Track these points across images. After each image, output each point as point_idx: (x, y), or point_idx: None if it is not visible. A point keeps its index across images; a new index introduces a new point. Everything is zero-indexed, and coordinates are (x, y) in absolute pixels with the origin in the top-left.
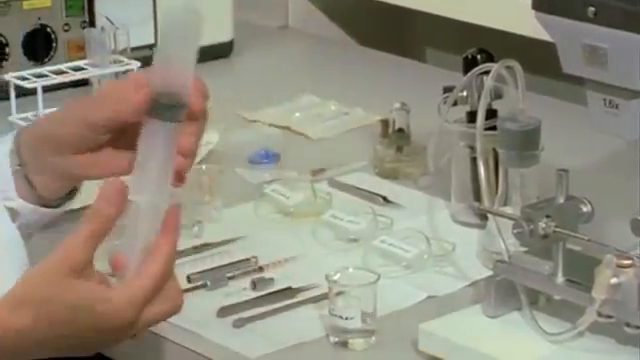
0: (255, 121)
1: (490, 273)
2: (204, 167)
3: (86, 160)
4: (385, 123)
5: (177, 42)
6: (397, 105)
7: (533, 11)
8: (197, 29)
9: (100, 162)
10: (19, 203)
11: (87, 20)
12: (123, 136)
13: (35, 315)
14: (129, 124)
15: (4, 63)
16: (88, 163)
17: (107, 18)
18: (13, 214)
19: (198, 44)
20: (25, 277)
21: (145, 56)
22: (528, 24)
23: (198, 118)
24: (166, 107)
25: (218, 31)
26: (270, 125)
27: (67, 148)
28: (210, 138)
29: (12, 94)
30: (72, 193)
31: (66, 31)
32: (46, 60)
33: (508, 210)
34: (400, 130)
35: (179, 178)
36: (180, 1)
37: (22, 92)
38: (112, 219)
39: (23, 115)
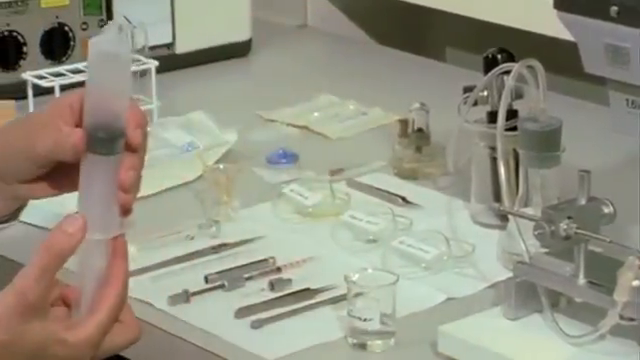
0: (273, 121)
1: (510, 275)
2: (222, 166)
3: (29, 186)
4: (404, 123)
5: (106, 73)
6: (416, 105)
7: (555, 10)
8: (126, 58)
9: (44, 186)
10: None
11: (105, 19)
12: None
13: None
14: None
15: (22, 62)
16: (33, 186)
17: (125, 17)
18: None
19: (129, 72)
20: None
21: (163, 55)
22: (549, 23)
23: (136, 151)
24: (103, 141)
25: (236, 30)
26: (288, 125)
27: (10, 178)
28: (228, 137)
29: (30, 93)
30: (19, 209)
31: (84, 30)
32: (64, 59)
33: (529, 211)
34: (419, 130)
35: (124, 212)
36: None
37: (40, 91)
38: (66, 254)
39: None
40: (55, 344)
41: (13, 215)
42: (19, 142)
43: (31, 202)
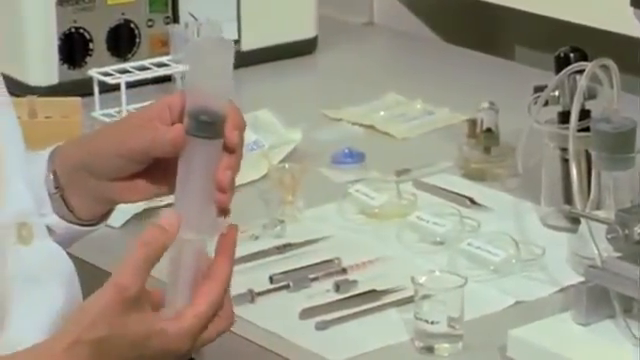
0: (339, 120)
1: (581, 279)
2: (287, 166)
3: (124, 185)
4: (472, 123)
5: (212, 56)
6: (485, 104)
7: (632, 8)
8: (231, 45)
9: (138, 187)
10: (54, 220)
11: (171, 16)
12: (162, 160)
13: (91, 355)
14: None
15: (88, 59)
16: (126, 188)
17: (191, 14)
18: (48, 230)
19: (232, 58)
20: (79, 314)
21: None
22: (625, 21)
23: (234, 151)
24: (205, 124)
25: (302, 28)
26: (354, 124)
27: (104, 177)
28: (293, 136)
29: (96, 90)
30: (108, 213)
31: (150, 27)
32: (129, 56)
33: (601, 214)
34: (488, 130)
35: (222, 211)
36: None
37: (105, 88)
38: (161, 250)
39: (106, 111)
40: (155, 335)
41: (101, 219)
42: (113, 138)
43: None
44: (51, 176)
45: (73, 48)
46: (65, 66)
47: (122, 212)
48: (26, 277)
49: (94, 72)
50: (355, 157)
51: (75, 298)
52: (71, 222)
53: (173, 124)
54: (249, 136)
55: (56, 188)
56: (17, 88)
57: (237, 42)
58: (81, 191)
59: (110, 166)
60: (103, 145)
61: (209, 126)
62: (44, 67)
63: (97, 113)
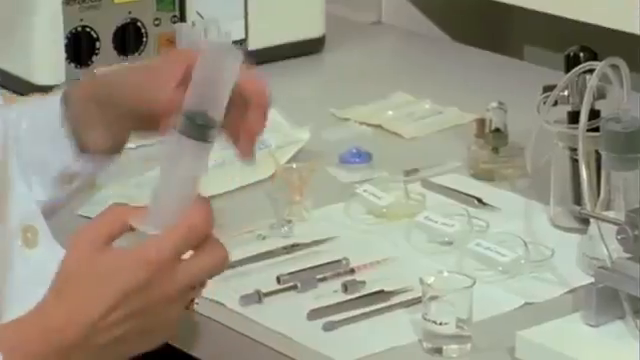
0: (346, 119)
1: (591, 280)
2: (294, 165)
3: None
4: (481, 123)
5: (216, 68)
6: (494, 104)
7: None
8: (236, 62)
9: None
10: (73, 155)
11: (178, 15)
12: None
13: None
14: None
15: (94, 58)
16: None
17: (198, 13)
18: (72, 178)
19: (236, 76)
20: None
21: None
22: (635, 21)
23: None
24: (199, 127)
25: (309, 26)
26: (362, 123)
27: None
28: (300, 136)
29: None
30: (120, 150)
31: (157, 25)
32: (136, 55)
33: (611, 215)
34: (497, 130)
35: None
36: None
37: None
38: (200, 237)
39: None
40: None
41: (118, 149)
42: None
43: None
44: (64, 111)
45: (80, 47)
46: (72, 65)
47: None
48: (32, 280)
49: (100, 71)
50: (363, 157)
51: None
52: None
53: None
54: None
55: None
56: (23, 87)
57: (244, 41)
58: (95, 121)
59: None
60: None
61: (204, 130)
62: (50, 66)
63: None
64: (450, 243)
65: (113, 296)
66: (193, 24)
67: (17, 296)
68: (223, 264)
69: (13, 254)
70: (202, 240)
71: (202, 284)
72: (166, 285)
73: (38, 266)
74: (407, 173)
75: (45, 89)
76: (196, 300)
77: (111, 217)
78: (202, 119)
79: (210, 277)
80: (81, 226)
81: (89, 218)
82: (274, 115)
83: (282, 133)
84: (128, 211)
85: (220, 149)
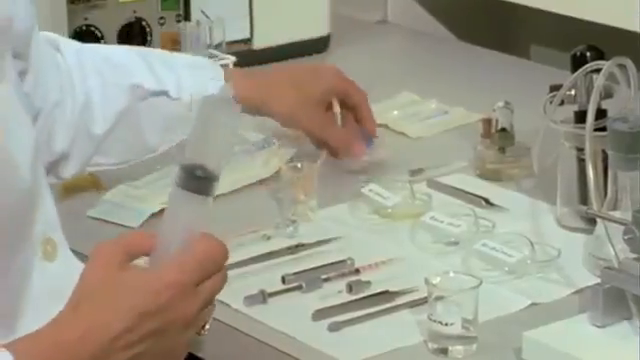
0: None
1: (597, 280)
2: (299, 165)
3: None
4: (487, 122)
5: (216, 121)
6: (500, 104)
7: None
8: (235, 115)
9: None
10: None
11: (182, 14)
12: None
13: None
14: None
15: None
16: None
17: (203, 12)
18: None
19: (236, 128)
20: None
21: (240, 51)
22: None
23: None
24: (200, 179)
25: (314, 25)
26: None
27: None
28: (302, 133)
29: None
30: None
31: (161, 24)
32: None
33: (618, 215)
34: (503, 130)
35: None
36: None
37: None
38: (210, 273)
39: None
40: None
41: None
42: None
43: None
44: None
45: None
46: None
47: (140, 212)
48: (50, 293)
49: None
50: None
51: None
52: None
53: None
54: (257, 134)
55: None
56: None
57: (249, 40)
58: None
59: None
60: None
61: (202, 182)
62: None
63: None
64: (456, 243)
65: (131, 317)
66: (198, 23)
67: (33, 309)
68: (224, 284)
69: (33, 267)
70: (217, 267)
71: (210, 308)
72: (184, 309)
73: (55, 280)
74: (413, 173)
75: None
76: (207, 326)
77: (131, 238)
78: (201, 172)
79: (214, 297)
80: (102, 242)
81: (97, 219)
82: None
83: (283, 131)
84: (150, 237)
85: None
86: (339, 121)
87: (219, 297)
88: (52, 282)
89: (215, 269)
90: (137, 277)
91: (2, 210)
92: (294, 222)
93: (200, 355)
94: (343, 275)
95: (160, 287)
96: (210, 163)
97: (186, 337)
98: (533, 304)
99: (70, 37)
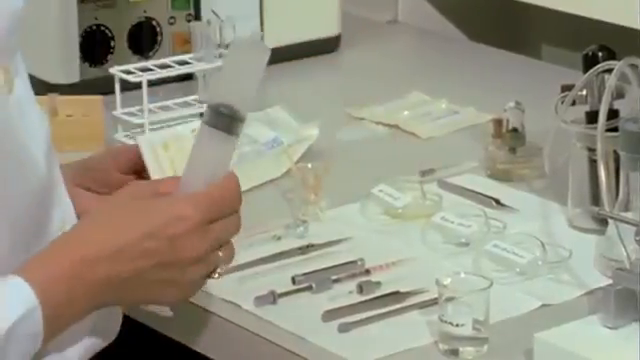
0: (362, 119)
1: (609, 281)
2: (310, 165)
3: None
4: (498, 122)
5: (244, 62)
6: (511, 104)
7: None
8: (263, 58)
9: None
10: None
11: (193, 13)
12: None
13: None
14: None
15: (109, 57)
16: None
17: (213, 11)
18: None
19: (262, 71)
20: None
21: None
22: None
23: None
24: (224, 116)
25: (324, 25)
26: (378, 123)
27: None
28: (310, 132)
29: (117, 88)
30: None
31: (171, 24)
32: (151, 54)
33: (629, 215)
34: (514, 130)
35: None
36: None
37: (127, 86)
38: (227, 212)
39: (128, 110)
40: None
41: None
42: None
43: None
44: None
45: (94, 46)
46: (86, 64)
47: None
48: None
49: (115, 70)
50: None
51: (114, 307)
52: None
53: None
54: (267, 134)
55: None
56: (38, 86)
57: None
58: None
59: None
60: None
61: (228, 120)
62: (65, 65)
63: (118, 112)
64: (467, 244)
65: (143, 228)
66: (208, 23)
67: None
68: (239, 228)
69: None
70: (233, 208)
71: (226, 253)
72: (192, 242)
73: None
74: (423, 173)
75: (60, 88)
76: (219, 270)
77: (162, 180)
78: (227, 110)
79: (228, 240)
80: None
81: None
82: (281, 113)
83: (291, 130)
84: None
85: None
86: None
87: (229, 297)
88: None
89: (228, 211)
90: (150, 203)
91: (21, 199)
92: (304, 222)
93: (210, 355)
94: (353, 276)
95: (170, 217)
96: (237, 103)
97: (195, 273)
98: (544, 305)
99: (80, 37)
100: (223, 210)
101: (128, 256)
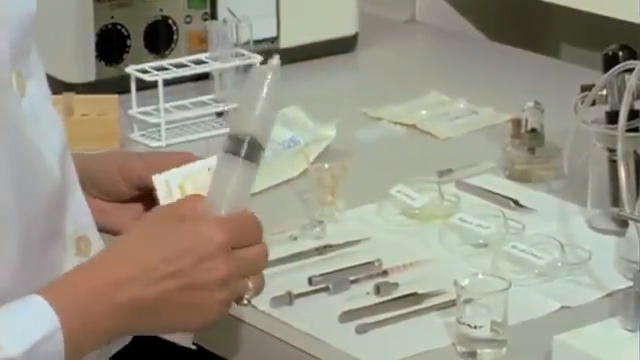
0: (379, 119)
1: (629, 283)
2: (327, 166)
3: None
4: (517, 123)
5: (262, 92)
6: (530, 104)
7: None
8: (278, 84)
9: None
10: None
11: (209, 12)
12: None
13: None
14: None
15: (125, 55)
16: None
17: (229, 10)
18: None
19: (279, 98)
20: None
21: (267, 49)
22: None
23: None
24: (245, 144)
25: (342, 24)
26: (395, 123)
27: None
28: (327, 132)
29: (133, 87)
30: None
31: (187, 23)
32: (167, 53)
33: None
34: (533, 130)
35: None
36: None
37: (142, 85)
38: (249, 242)
39: (143, 109)
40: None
41: None
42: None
43: None
44: None
45: (110, 45)
46: (102, 63)
47: None
48: None
49: (131, 69)
50: None
51: None
52: None
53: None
54: (284, 133)
55: None
56: (53, 85)
57: (276, 39)
58: None
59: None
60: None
61: (249, 148)
62: (81, 64)
63: (134, 111)
64: (485, 245)
65: (168, 249)
66: (225, 22)
67: None
68: (266, 259)
69: (67, 263)
70: (255, 237)
71: (256, 283)
72: (216, 265)
73: None
74: (441, 174)
75: (75, 87)
76: (247, 296)
77: (183, 201)
78: (249, 138)
79: (257, 271)
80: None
81: None
82: (298, 113)
83: (308, 130)
84: (201, 199)
85: None
86: None
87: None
88: None
89: (252, 239)
90: (175, 226)
91: (34, 202)
92: (321, 223)
93: (226, 357)
94: (371, 277)
95: (195, 238)
96: (257, 131)
97: (220, 297)
98: (563, 307)
99: (96, 36)
100: (246, 236)
101: (153, 278)
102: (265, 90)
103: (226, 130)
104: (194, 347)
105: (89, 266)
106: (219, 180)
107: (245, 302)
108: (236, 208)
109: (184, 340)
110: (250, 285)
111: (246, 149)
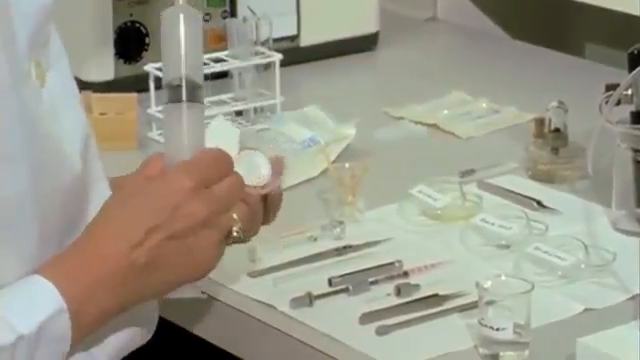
0: (401, 118)
1: None
2: (347, 165)
3: None
4: (540, 122)
5: (179, 32)
6: (554, 103)
7: None
8: (198, 22)
9: None
10: None
11: (228, 10)
12: None
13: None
14: None
15: (144, 53)
16: None
17: (249, 8)
18: None
19: (200, 31)
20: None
21: (287, 48)
22: None
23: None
24: (182, 88)
25: (363, 22)
26: (417, 123)
27: None
28: (346, 132)
29: (152, 85)
30: None
31: (207, 21)
32: None
33: None
34: (556, 130)
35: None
36: None
37: (161, 84)
38: (217, 179)
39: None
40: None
41: None
42: None
43: None
44: None
45: (129, 43)
46: (121, 61)
47: None
48: None
49: (150, 67)
50: None
51: (148, 307)
52: None
53: None
54: (304, 133)
55: None
56: None
57: (296, 37)
58: None
59: None
60: None
61: (186, 90)
62: (99, 62)
63: (153, 109)
64: (507, 246)
65: (144, 209)
66: (244, 20)
67: None
68: (241, 188)
69: None
70: (224, 170)
71: (240, 214)
72: (195, 207)
73: None
74: (463, 174)
75: (94, 86)
76: (235, 229)
77: (147, 162)
78: (181, 82)
79: (234, 202)
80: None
81: None
82: (318, 112)
83: (328, 130)
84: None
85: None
86: None
87: (264, 299)
88: None
89: (223, 173)
90: (145, 189)
91: (53, 197)
92: (341, 223)
93: (245, 357)
94: (391, 278)
95: (166, 191)
96: (188, 71)
97: (207, 238)
98: (587, 309)
99: (115, 33)
100: (215, 172)
101: (138, 240)
102: (182, 29)
103: (246, 129)
104: (204, 296)
105: (79, 242)
106: (172, 132)
107: (236, 234)
108: (194, 151)
109: (191, 292)
110: (235, 216)
111: (185, 92)
